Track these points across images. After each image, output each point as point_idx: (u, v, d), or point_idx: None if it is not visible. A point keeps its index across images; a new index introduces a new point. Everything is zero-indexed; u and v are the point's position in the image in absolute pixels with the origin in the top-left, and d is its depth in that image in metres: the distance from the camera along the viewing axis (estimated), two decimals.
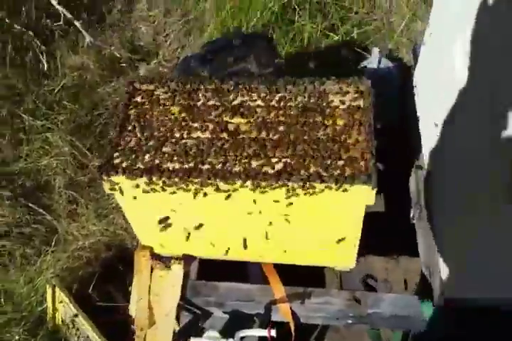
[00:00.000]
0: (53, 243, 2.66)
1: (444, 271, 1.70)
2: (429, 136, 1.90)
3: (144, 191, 1.63)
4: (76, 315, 2.28)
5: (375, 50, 2.53)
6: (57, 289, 2.34)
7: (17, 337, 2.38)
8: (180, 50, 3.27)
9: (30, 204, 2.81)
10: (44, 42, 3.31)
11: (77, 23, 3.22)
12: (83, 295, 2.38)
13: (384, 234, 2.08)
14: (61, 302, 2.35)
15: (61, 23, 3.23)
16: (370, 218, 1.65)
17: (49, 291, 2.37)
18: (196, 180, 1.57)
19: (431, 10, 1.86)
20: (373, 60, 2.53)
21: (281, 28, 3.17)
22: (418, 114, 2.07)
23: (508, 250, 1.39)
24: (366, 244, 1.81)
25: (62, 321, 2.40)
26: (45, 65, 3.27)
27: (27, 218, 2.76)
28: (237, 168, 1.57)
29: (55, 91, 3.20)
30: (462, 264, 1.59)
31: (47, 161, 2.96)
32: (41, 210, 2.79)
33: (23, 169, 2.96)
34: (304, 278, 1.93)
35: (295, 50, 3.15)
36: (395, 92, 2.42)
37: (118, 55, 3.30)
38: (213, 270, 2.05)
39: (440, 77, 1.77)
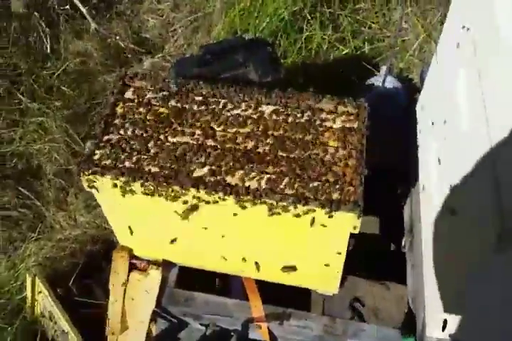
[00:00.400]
0: (39, 230, 2.59)
1: (428, 307, 1.61)
2: (426, 164, 1.83)
3: (122, 192, 1.57)
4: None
5: (384, 68, 2.46)
6: (37, 279, 2.26)
7: None
8: (187, 47, 3.20)
9: (20, 188, 2.74)
10: (49, 24, 3.24)
11: (82, 9, 3.16)
12: (63, 287, 2.30)
13: (377, 257, 2.01)
14: (40, 292, 2.27)
15: (67, 7, 3.17)
16: (365, 240, 1.59)
17: (29, 280, 2.29)
18: (176, 187, 1.50)
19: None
20: (381, 79, 2.46)
21: (290, 35, 3.07)
22: (418, 139, 2.00)
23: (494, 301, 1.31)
24: (356, 266, 1.75)
25: (41, 312, 2.32)
26: (48, 48, 3.20)
27: (15, 201, 2.70)
28: (219, 179, 1.50)
29: (55, 75, 3.13)
30: (447, 303, 1.50)
31: (39, 146, 2.89)
32: (30, 195, 2.72)
33: (16, 151, 2.89)
34: (289, 295, 1.88)
35: (302, 59, 3.06)
36: (399, 114, 2.35)
37: (123, 46, 3.23)
38: (194, 278, 1.98)
39: (443, 107, 1.69)
